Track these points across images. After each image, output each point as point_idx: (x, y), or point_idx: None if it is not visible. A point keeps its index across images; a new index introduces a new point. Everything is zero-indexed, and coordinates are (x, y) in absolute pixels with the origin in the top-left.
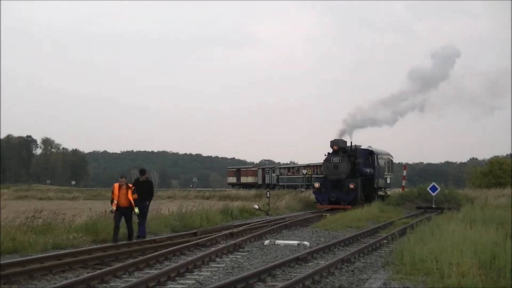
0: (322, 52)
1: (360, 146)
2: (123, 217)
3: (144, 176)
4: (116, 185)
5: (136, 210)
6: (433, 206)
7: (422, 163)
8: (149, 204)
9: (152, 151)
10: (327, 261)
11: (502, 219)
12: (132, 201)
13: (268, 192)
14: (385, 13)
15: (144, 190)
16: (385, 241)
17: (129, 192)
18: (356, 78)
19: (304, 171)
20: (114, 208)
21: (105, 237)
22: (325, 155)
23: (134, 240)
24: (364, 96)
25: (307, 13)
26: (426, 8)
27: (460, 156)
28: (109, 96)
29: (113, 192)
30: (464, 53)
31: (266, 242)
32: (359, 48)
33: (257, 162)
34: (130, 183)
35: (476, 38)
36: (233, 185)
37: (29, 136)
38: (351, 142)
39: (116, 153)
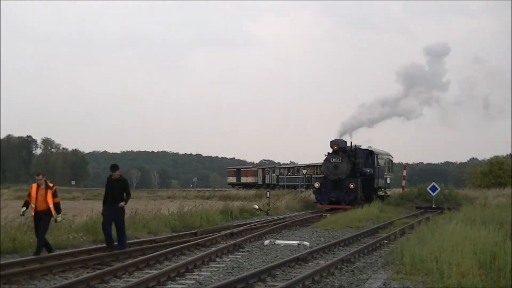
0: (321, 52)
1: (360, 146)
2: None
3: (115, 173)
4: (34, 185)
5: (59, 218)
6: (433, 206)
7: (422, 163)
8: (123, 207)
9: (152, 151)
10: (327, 261)
11: (502, 219)
12: (51, 206)
13: (268, 192)
14: (384, 13)
15: (117, 192)
16: (385, 241)
17: (49, 193)
18: (356, 78)
19: (304, 171)
20: (33, 213)
21: None
22: (325, 155)
23: (51, 254)
24: (364, 96)
25: (306, 13)
26: (425, 8)
27: (460, 156)
28: (109, 96)
29: (29, 194)
30: (463, 54)
31: (266, 242)
32: (358, 48)
33: (257, 162)
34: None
35: (476, 38)
36: (233, 185)
37: (29, 136)
38: (351, 142)
39: (116, 153)
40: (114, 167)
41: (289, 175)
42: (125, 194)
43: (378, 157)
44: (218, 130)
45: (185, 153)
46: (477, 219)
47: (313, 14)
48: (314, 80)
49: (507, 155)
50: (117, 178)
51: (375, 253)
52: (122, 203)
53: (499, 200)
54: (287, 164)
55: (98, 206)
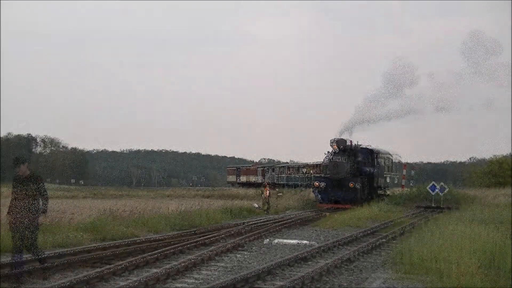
0: (321, 51)
1: (361, 145)
2: None
3: (20, 168)
4: None
5: None
6: (433, 205)
7: (422, 162)
8: (39, 215)
9: (152, 150)
10: (326, 260)
11: (502, 218)
12: None
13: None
14: (383, 13)
15: (28, 193)
16: (385, 240)
17: None
18: (355, 77)
19: (304, 170)
20: None
21: (105, 236)
22: (325, 154)
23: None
24: (363, 95)
25: (305, 13)
26: (424, 8)
27: (459, 156)
28: (109, 94)
29: None
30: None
31: (266, 241)
32: (358, 47)
33: (257, 161)
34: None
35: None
36: (233, 183)
37: (29, 135)
38: (351, 141)
39: (116, 152)
40: (17, 161)
41: (289, 174)
42: (40, 198)
43: (379, 156)
44: (218, 128)
45: (185, 152)
46: (476, 219)
47: (313, 14)
48: (314, 79)
49: (507, 154)
50: (26, 176)
51: (375, 252)
52: (41, 217)
53: (499, 200)
54: (287, 163)
55: (98, 204)
